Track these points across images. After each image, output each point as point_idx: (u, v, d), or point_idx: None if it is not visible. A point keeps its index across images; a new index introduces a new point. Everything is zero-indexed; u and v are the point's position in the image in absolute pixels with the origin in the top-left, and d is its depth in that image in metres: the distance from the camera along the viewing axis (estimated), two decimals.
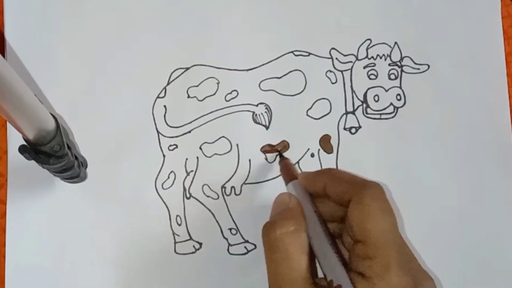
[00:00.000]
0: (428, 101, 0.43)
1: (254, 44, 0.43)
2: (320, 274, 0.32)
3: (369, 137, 0.42)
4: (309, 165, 0.42)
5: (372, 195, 0.31)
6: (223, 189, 0.41)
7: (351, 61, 0.43)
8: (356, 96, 0.43)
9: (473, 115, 0.43)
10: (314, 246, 0.32)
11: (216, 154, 0.42)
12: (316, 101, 0.42)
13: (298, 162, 0.42)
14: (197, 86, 0.42)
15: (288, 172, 0.38)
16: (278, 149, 0.41)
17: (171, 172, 0.41)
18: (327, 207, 0.34)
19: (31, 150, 0.33)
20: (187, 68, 0.42)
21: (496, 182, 0.43)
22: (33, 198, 0.40)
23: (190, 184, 0.41)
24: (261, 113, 0.42)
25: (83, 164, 0.40)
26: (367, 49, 0.43)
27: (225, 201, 0.41)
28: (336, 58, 0.43)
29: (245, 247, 0.41)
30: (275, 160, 0.41)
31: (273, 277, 0.31)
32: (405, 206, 0.42)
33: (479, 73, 0.44)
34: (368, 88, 0.43)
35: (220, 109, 0.42)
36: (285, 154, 0.42)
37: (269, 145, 0.42)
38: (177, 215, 0.41)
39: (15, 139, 0.41)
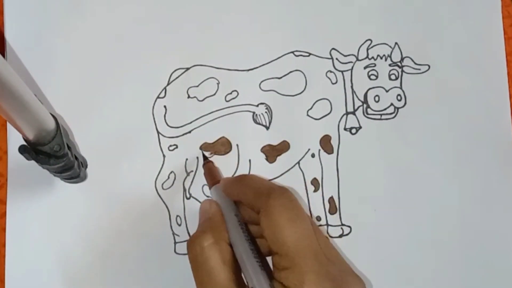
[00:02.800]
0: (429, 102, 0.43)
1: (254, 44, 0.43)
2: None
3: (370, 137, 0.42)
4: (309, 166, 0.42)
5: (279, 205, 0.30)
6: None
7: (351, 62, 0.43)
8: (357, 96, 0.43)
9: (473, 115, 0.43)
10: (236, 254, 0.32)
11: (216, 154, 0.42)
12: (317, 101, 0.42)
13: (298, 163, 0.42)
14: (197, 86, 0.42)
15: (211, 175, 0.38)
16: (202, 151, 0.41)
17: (171, 172, 0.41)
18: (248, 213, 0.34)
19: (31, 150, 0.33)
20: (187, 68, 0.42)
21: (497, 182, 0.43)
22: (33, 198, 0.40)
23: (190, 184, 0.41)
24: (262, 113, 0.42)
25: (83, 164, 0.40)
26: (367, 50, 0.43)
27: None
28: (337, 59, 0.43)
29: None
30: (201, 163, 0.41)
31: None
32: (405, 206, 0.42)
33: (480, 73, 0.44)
34: (369, 89, 0.43)
35: (220, 109, 0.42)
36: (286, 154, 0.42)
37: (270, 145, 0.42)
38: (177, 215, 0.41)
39: (15, 139, 0.41)
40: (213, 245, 0.31)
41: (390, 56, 0.43)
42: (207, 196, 0.41)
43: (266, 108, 0.42)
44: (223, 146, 0.42)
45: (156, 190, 0.41)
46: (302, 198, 0.42)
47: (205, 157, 0.41)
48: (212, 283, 0.31)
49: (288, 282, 0.29)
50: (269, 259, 0.33)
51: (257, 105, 0.42)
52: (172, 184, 0.41)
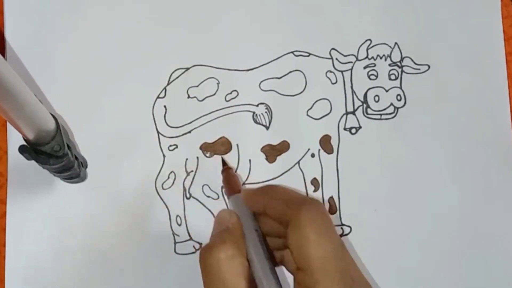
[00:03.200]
0: (429, 102, 0.43)
1: (254, 44, 0.43)
2: None
3: (370, 137, 0.42)
4: (309, 166, 0.42)
5: (310, 217, 0.29)
6: (223, 189, 0.41)
7: (351, 62, 0.43)
8: (357, 96, 0.43)
9: (473, 115, 0.43)
10: (253, 270, 0.30)
11: (216, 154, 0.42)
12: (316, 101, 0.42)
13: (298, 163, 0.42)
14: (197, 86, 0.42)
15: (231, 184, 0.37)
16: (221, 155, 0.40)
17: (171, 172, 0.41)
18: (270, 225, 0.32)
19: (31, 150, 0.33)
20: (187, 68, 0.42)
21: (497, 182, 0.43)
22: (33, 198, 0.40)
23: (190, 184, 0.41)
24: (262, 113, 0.42)
25: (83, 164, 0.40)
26: (367, 50, 0.43)
27: (225, 201, 0.41)
28: (336, 59, 0.43)
29: None
30: (222, 169, 0.40)
31: None
32: (405, 206, 0.42)
33: (480, 73, 0.44)
34: (369, 89, 0.43)
35: (220, 109, 0.42)
36: (286, 154, 0.42)
37: (270, 145, 0.42)
38: (177, 215, 0.41)
39: (15, 139, 0.41)
40: (232, 258, 0.30)
41: (390, 56, 0.43)
42: (207, 196, 0.41)
43: (266, 108, 0.42)
44: (223, 146, 0.42)
45: (156, 190, 0.41)
46: None
47: (224, 163, 0.40)
48: None
49: None
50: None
51: (257, 105, 0.42)
52: (172, 184, 0.41)
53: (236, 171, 0.41)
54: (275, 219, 0.31)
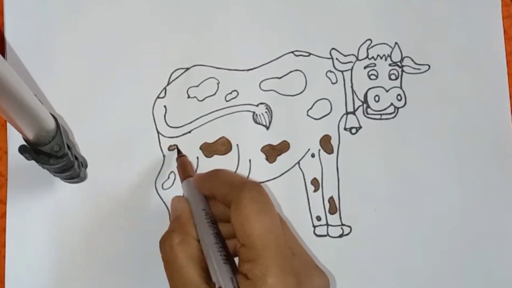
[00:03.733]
0: (429, 102, 0.43)
1: (254, 44, 0.43)
2: None
3: (370, 137, 0.42)
4: (309, 166, 0.42)
5: (249, 197, 0.31)
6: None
7: (351, 61, 0.43)
8: (357, 96, 0.43)
9: (473, 115, 0.43)
10: (203, 249, 0.32)
11: (216, 154, 0.42)
12: (317, 101, 0.42)
13: (298, 163, 0.42)
14: (197, 86, 0.42)
15: (184, 169, 0.38)
16: (176, 145, 0.41)
17: (171, 172, 0.41)
18: (219, 209, 0.34)
19: (31, 150, 0.33)
20: (187, 68, 0.42)
21: (497, 182, 0.43)
22: (33, 198, 0.40)
23: None
24: (262, 113, 0.42)
25: (83, 164, 0.40)
26: (367, 49, 0.43)
27: None
28: (337, 58, 0.43)
29: None
30: (177, 157, 0.41)
31: None
32: (406, 206, 0.42)
33: (480, 73, 0.44)
34: (369, 88, 0.43)
35: (220, 109, 0.42)
36: (286, 154, 0.42)
37: (270, 145, 0.42)
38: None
39: (15, 139, 0.41)
40: (181, 243, 0.32)
41: (390, 56, 0.43)
42: None
43: (266, 108, 0.42)
44: (223, 146, 0.42)
45: (156, 190, 0.41)
46: (302, 198, 0.42)
47: (179, 151, 0.41)
48: (182, 280, 0.31)
49: (251, 274, 0.29)
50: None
51: (257, 105, 0.42)
52: (172, 184, 0.41)
53: (236, 171, 0.41)
54: (221, 201, 0.33)
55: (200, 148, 0.42)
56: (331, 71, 0.43)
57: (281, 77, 0.43)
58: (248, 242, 0.30)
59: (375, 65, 0.43)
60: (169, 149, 0.41)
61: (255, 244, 0.29)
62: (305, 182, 0.42)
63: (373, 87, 0.43)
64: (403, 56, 0.43)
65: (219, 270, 0.31)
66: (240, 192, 0.31)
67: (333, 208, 0.42)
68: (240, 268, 0.30)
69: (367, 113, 0.43)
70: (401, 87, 0.43)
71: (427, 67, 0.43)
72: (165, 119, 0.42)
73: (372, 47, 0.43)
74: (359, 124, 0.43)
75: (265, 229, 0.30)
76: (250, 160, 0.42)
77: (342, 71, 0.43)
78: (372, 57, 0.43)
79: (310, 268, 0.32)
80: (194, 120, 0.42)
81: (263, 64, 0.43)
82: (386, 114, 0.43)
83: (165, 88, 0.42)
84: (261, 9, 0.43)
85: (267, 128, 0.42)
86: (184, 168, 0.38)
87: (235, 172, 0.41)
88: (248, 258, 0.30)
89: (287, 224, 0.34)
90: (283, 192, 0.42)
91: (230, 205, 0.31)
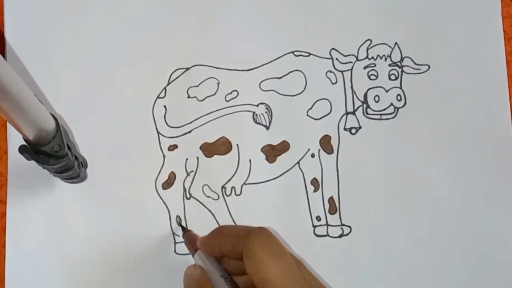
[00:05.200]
0: (429, 102, 0.43)
1: (254, 44, 0.43)
2: None
3: (370, 137, 0.42)
4: (309, 166, 0.42)
5: (259, 242, 0.30)
6: (223, 190, 0.41)
7: (351, 62, 0.43)
8: (357, 96, 0.43)
9: (473, 115, 0.43)
10: None
11: (216, 154, 0.42)
12: (316, 101, 0.42)
13: (298, 163, 0.42)
14: (197, 86, 0.42)
15: (192, 243, 0.37)
16: (179, 222, 0.41)
17: (171, 172, 0.41)
18: (233, 264, 0.33)
19: (31, 150, 0.33)
20: (187, 68, 0.42)
21: (497, 182, 0.43)
22: (33, 198, 0.40)
23: (190, 185, 0.41)
24: (262, 113, 0.42)
25: (83, 164, 0.40)
26: (367, 50, 0.43)
27: (225, 201, 0.41)
28: (336, 59, 0.43)
29: None
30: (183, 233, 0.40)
31: None
32: (405, 206, 0.42)
33: (480, 74, 0.44)
34: (369, 89, 0.43)
35: (220, 109, 0.42)
36: (286, 154, 0.42)
37: (270, 145, 0.42)
38: (177, 215, 0.41)
39: (15, 139, 0.41)
40: None
41: (390, 56, 0.43)
42: (207, 196, 0.41)
43: (266, 108, 0.42)
44: (223, 146, 0.42)
45: (156, 190, 0.41)
46: (302, 198, 0.42)
47: (183, 228, 0.40)
48: None
49: None
50: None
51: (257, 105, 0.42)
52: (172, 184, 0.41)
53: (236, 171, 0.41)
54: (232, 256, 0.32)
55: (200, 148, 0.42)
56: (331, 71, 0.43)
57: (281, 77, 0.43)
58: (267, 286, 0.29)
59: (375, 65, 0.43)
60: (169, 149, 0.41)
61: (274, 287, 0.29)
62: (305, 182, 0.42)
63: (373, 87, 0.43)
64: (403, 56, 0.43)
65: None
66: (248, 240, 0.30)
67: (333, 208, 0.42)
68: None
69: (367, 113, 0.43)
70: (401, 87, 0.43)
71: (427, 67, 0.43)
72: (165, 119, 0.42)
73: (372, 47, 0.43)
74: (359, 124, 0.43)
75: (282, 271, 0.29)
76: (250, 160, 0.42)
77: (342, 71, 0.43)
78: (372, 57, 0.43)
79: None
80: (194, 120, 0.42)
81: (263, 64, 0.43)
82: (386, 114, 0.43)
83: (165, 88, 0.42)
84: (261, 9, 0.43)
85: (267, 128, 0.42)
86: (193, 242, 0.37)
87: (235, 172, 0.41)
88: None
89: (301, 262, 0.33)
90: (283, 192, 0.42)
91: (241, 257, 0.30)
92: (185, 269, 0.40)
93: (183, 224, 0.41)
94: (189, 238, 0.38)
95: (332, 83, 0.43)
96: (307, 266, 0.32)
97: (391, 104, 0.43)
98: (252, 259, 0.30)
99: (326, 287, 0.32)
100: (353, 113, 0.43)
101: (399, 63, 0.43)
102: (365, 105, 0.43)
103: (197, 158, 0.41)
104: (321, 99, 0.43)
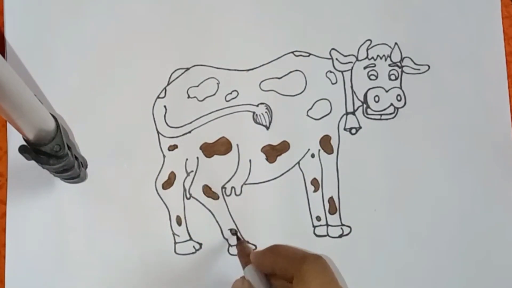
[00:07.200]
0: (429, 102, 0.43)
1: (254, 44, 0.43)
2: None
3: (370, 137, 0.42)
4: (309, 166, 0.42)
5: (312, 270, 0.30)
6: (223, 190, 0.41)
7: (351, 62, 0.43)
8: (357, 96, 0.43)
9: (473, 115, 0.43)
10: None
11: (216, 154, 0.42)
12: (317, 101, 0.42)
13: (298, 163, 0.42)
14: (197, 86, 0.42)
15: (244, 255, 0.37)
16: (235, 233, 0.41)
17: (171, 172, 0.41)
18: (283, 285, 0.33)
19: (31, 150, 0.33)
20: (187, 68, 0.42)
21: (497, 182, 0.43)
22: (33, 198, 0.40)
23: (190, 185, 0.41)
24: (262, 113, 0.42)
25: (83, 164, 0.40)
26: (367, 50, 0.43)
27: (225, 201, 0.41)
28: (336, 59, 0.43)
29: None
30: (236, 244, 0.41)
31: None
32: (405, 206, 0.42)
33: (479, 74, 0.44)
34: (369, 89, 0.43)
35: (220, 109, 0.42)
36: (286, 154, 0.42)
37: (270, 145, 0.42)
38: (177, 216, 0.41)
39: (15, 139, 0.41)
40: None
41: (390, 56, 0.43)
42: (207, 196, 0.41)
43: (266, 108, 0.42)
44: (223, 146, 0.42)
45: (156, 190, 0.41)
46: (302, 198, 0.42)
47: (238, 238, 0.40)
48: None
49: None
50: None
51: (257, 105, 0.42)
52: (172, 184, 0.41)
53: (236, 171, 0.41)
54: (283, 277, 0.32)
55: (200, 148, 0.42)
56: (331, 71, 0.43)
57: (281, 77, 0.43)
58: None
59: (375, 65, 0.43)
60: (169, 149, 0.41)
61: None
62: (305, 182, 0.42)
63: (373, 87, 0.43)
64: (403, 56, 0.43)
65: None
66: (302, 265, 0.30)
67: (333, 208, 0.42)
68: None
69: (367, 113, 0.43)
70: (401, 87, 0.43)
71: (427, 67, 0.43)
72: (165, 119, 0.42)
73: (372, 47, 0.43)
74: (359, 124, 0.43)
75: None
76: (250, 160, 0.42)
77: (342, 71, 0.43)
78: (372, 58, 0.43)
79: None
80: (194, 120, 0.42)
81: (263, 64, 0.43)
82: (386, 114, 0.43)
83: (165, 88, 0.42)
84: (261, 9, 0.43)
85: (267, 128, 0.42)
86: (245, 254, 0.37)
87: (235, 172, 0.41)
88: None
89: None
90: (283, 192, 0.42)
91: (292, 280, 0.30)
92: (185, 269, 0.40)
93: (239, 235, 0.41)
94: (242, 250, 0.38)
95: (332, 83, 0.43)
96: None
97: (391, 104, 0.43)
98: (302, 284, 0.29)
99: None
100: (353, 113, 0.43)
101: (399, 63, 0.43)
102: (365, 105, 0.43)
103: (197, 158, 0.41)
104: (321, 99, 0.42)
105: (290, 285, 0.31)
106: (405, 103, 0.43)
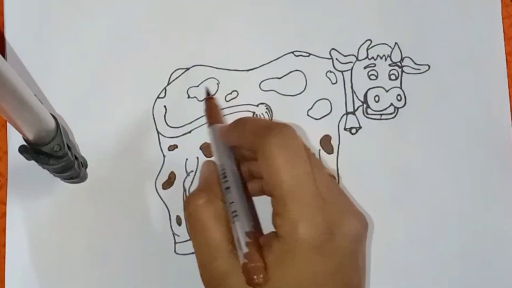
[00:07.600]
0: (429, 102, 0.43)
1: (254, 44, 0.43)
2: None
3: (370, 137, 0.42)
4: None
5: (276, 144, 0.28)
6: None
7: (351, 62, 0.43)
8: (357, 96, 0.43)
9: (473, 115, 0.43)
10: (226, 204, 0.31)
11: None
12: (317, 101, 0.42)
13: None
14: (197, 86, 0.42)
15: (211, 113, 0.36)
16: (206, 88, 0.39)
17: (171, 172, 0.41)
18: (253, 164, 0.33)
19: (31, 150, 0.33)
20: (187, 68, 0.42)
21: (497, 182, 0.43)
22: (33, 198, 0.40)
23: (190, 185, 0.41)
24: (262, 114, 0.42)
25: (83, 164, 0.40)
26: (367, 50, 0.43)
27: None
28: (336, 59, 0.43)
29: None
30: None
31: (196, 249, 0.32)
32: (405, 206, 0.42)
33: (480, 74, 0.44)
34: (369, 89, 0.43)
35: (220, 109, 0.42)
36: None
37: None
38: (177, 215, 0.41)
39: (15, 139, 0.41)
40: (207, 203, 0.31)
41: (390, 56, 0.43)
42: None
43: (266, 108, 0.42)
44: None
45: (156, 190, 0.41)
46: None
47: (208, 93, 0.39)
48: (206, 241, 0.31)
49: (281, 229, 0.27)
50: None
51: (257, 105, 0.42)
52: (172, 184, 0.41)
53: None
54: (248, 150, 0.31)
55: (200, 148, 0.42)
56: (331, 71, 0.43)
57: (281, 77, 0.43)
58: (277, 194, 0.27)
59: (375, 65, 0.43)
60: (169, 149, 0.41)
61: (283, 196, 0.27)
62: None
63: (373, 87, 0.43)
64: (403, 56, 0.43)
65: (235, 229, 0.30)
66: (265, 139, 0.28)
67: None
68: (272, 220, 0.29)
69: (367, 113, 0.43)
70: (401, 87, 0.43)
71: (427, 67, 0.43)
72: (165, 119, 0.42)
73: (372, 47, 0.43)
74: (359, 124, 0.43)
75: (294, 180, 0.27)
76: None
77: (342, 71, 0.43)
78: (372, 57, 0.43)
79: (342, 214, 0.29)
80: (194, 120, 0.42)
81: (263, 64, 0.43)
82: (386, 114, 0.43)
83: (165, 88, 0.42)
84: (261, 9, 0.43)
85: None
86: (212, 111, 0.35)
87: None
88: (277, 211, 0.28)
89: (321, 162, 0.31)
90: None
91: (256, 154, 0.29)
92: (185, 269, 0.40)
93: (209, 91, 0.39)
94: (210, 106, 0.36)
95: (332, 83, 0.43)
96: None
97: (391, 104, 0.43)
98: (265, 161, 0.28)
99: (340, 193, 0.30)
100: (353, 113, 0.43)
101: (399, 63, 0.43)
102: (365, 105, 0.43)
103: (197, 158, 0.41)
104: (321, 99, 0.43)
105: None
106: (405, 103, 0.43)
